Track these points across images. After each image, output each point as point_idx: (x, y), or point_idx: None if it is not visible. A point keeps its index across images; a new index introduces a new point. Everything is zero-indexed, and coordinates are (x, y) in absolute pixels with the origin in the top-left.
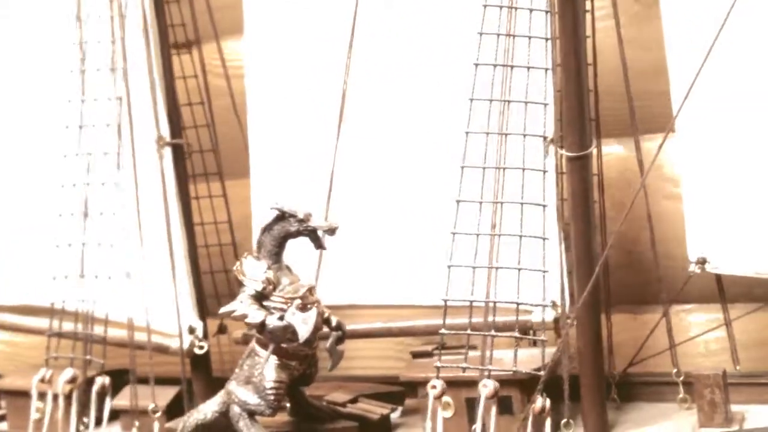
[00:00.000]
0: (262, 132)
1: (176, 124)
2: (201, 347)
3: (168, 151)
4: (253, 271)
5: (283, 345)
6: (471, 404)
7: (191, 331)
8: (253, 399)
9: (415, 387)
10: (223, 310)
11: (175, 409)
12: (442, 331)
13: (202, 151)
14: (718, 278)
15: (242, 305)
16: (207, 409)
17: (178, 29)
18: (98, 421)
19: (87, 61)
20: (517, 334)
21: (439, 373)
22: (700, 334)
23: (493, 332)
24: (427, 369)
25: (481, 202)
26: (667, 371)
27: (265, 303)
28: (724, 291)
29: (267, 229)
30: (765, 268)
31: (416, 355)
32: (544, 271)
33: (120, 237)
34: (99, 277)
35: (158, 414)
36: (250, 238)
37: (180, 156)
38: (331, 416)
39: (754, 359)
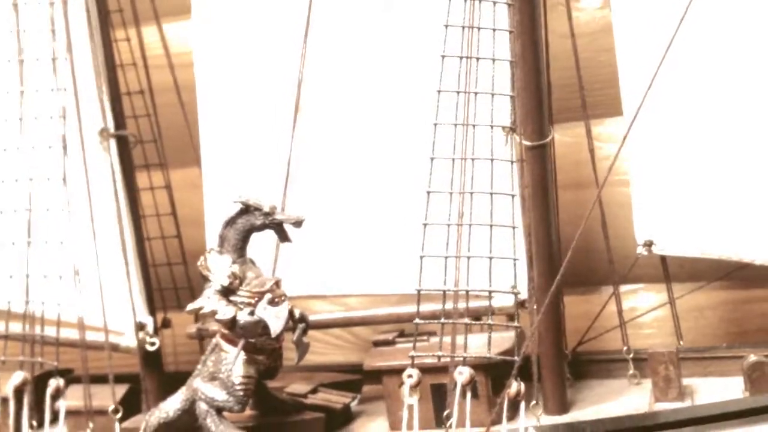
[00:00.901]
0: (214, 121)
1: (120, 115)
2: (152, 343)
3: (113, 143)
4: (217, 266)
5: (251, 340)
6: (436, 390)
7: (141, 327)
8: (220, 395)
9: (379, 375)
10: (190, 307)
11: (126, 408)
12: (416, 321)
13: (143, 141)
14: (663, 259)
15: (210, 301)
16: (169, 407)
17: (117, 15)
18: (42, 424)
19: (26, 51)
20: (490, 321)
21: (413, 362)
22: (646, 312)
23: (467, 320)
24: (389, 357)
25: (450, 192)
26: (616, 349)
27: (231, 298)
28: (668, 271)
29: (230, 222)
30: (710, 249)
31: (377, 343)
32: (515, 259)
33: (68, 233)
34: (47, 276)
35: (119, 414)
36: (197, 230)
37: (125, 148)
38: (295, 408)
39: (696, 335)
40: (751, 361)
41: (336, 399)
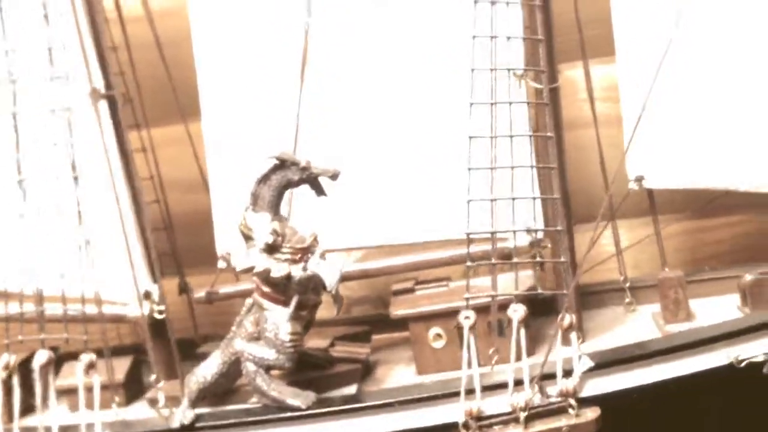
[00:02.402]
0: (215, 74)
1: (108, 74)
2: (160, 312)
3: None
4: (258, 225)
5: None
6: (462, 332)
7: (147, 295)
8: (270, 354)
9: (405, 322)
10: (240, 268)
11: (131, 381)
12: (468, 263)
13: (132, 101)
14: (650, 193)
15: (260, 260)
16: (206, 372)
17: None
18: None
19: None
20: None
21: (468, 304)
22: (635, 243)
23: (516, 259)
24: (414, 304)
25: (493, 137)
26: (606, 280)
27: (276, 256)
28: (654, 204)
29: (264, 179)
30: (697, 180)
31: (397, 292)
32: (555, 198)
33: (63, 203)
34: (45, 249)
35: (161, 384)
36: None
37: (115, 108)
38: (328, 361)
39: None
40: (750, 279)
41: (357, 350)
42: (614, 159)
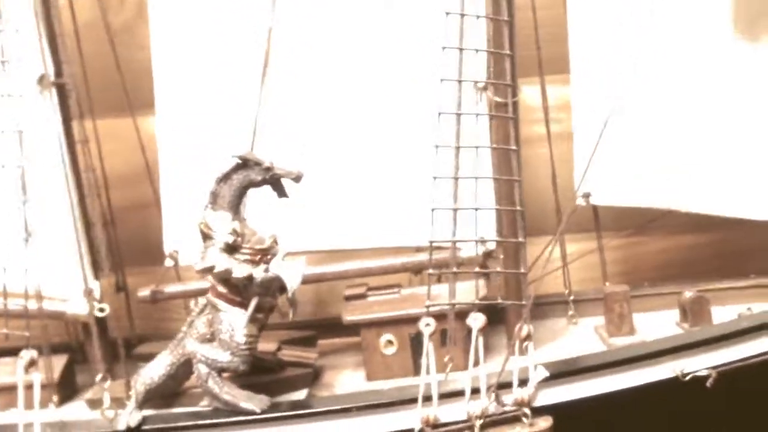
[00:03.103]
0: (171, 66)
1: (59, 61)
2: (102, 309)
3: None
4: (217, 224)
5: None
6: (415, 340)
7: (88, 292)
8: (224, 356)
9: (357, 328)
10: (199, 267)
11: (64, 381)
12: (430, 271)
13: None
14: (595, 209)
15: (220, 260)
16: (152, 374)
17: None
18: None
19: None
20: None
21: (429, 311)
22: (579, 257)
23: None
24: (367, 310)
25: (458, 147)
26: (549, 293)
27: (236, 256)
28: (599, 220)
29: (225, 178)
30: (639, 200)
31: (349, 297)
32: (519, 210)
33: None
34: None
35: (107, 383)
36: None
37: (64, 97)
38: (278, 365)
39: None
40: (691, 296)
41: (305, 355)
42: (561, 176)
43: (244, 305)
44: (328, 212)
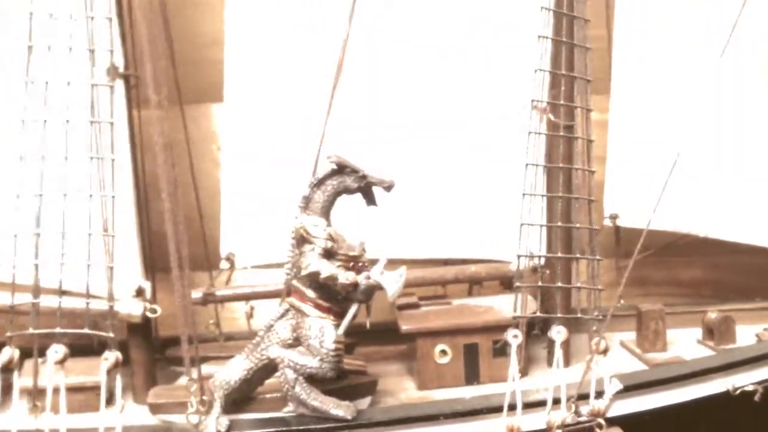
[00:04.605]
0: (241, 72)
1: (127, 52)
2: (153, 310)
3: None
4: (315, 229)
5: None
6: (468, 350)
7: (139, 292)
8: (313, 362)
9: (414, 337)
10: (305, 272)
11: None
12: (517, 284)
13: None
14: (617, 230)
15: (324, 265)
16: (229, 377)
17: None
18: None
19: None
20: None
21: (516, 323)
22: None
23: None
24: (423, 320)
25: (547, 166)
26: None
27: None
28: (620, 240)
29: (320, 183)
30: (663, 223)
31: (402, 307)
32: (595, 228)
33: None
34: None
35: (194, 387)
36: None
37: (129, 90)
38: (342, 373)
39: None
40: (717, 316)
41: (357, 363)
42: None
43: (331, 311)
44: (410, 221)
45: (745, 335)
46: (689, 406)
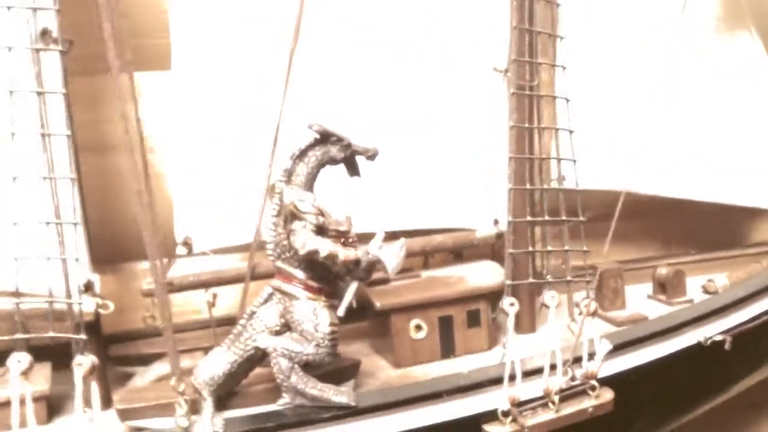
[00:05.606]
0: (188, 35)
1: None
2: (106, 306)
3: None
4: (303, 204)
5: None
6: (443, 323)
7: (88, 287)
8: (308, 348)
9: (382, 314)
10: (303, 251)
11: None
12: (509, 250)
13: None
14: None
15: (321, 243)
16: (212, 372)
17: None
18: None
19: None
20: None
21: (510, 291)
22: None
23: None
24: (396, 296)
25: (531, 128)
26: None
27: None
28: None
29: (302, 155)
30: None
31: (372, 283)
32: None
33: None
34: None
35: (182, 387)
36: None
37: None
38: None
39: None
40: (668, 271)
41: None
42: None
43: (323, 291)
44: (386, 193)
45: (691, 287)
46: (667, 360)
